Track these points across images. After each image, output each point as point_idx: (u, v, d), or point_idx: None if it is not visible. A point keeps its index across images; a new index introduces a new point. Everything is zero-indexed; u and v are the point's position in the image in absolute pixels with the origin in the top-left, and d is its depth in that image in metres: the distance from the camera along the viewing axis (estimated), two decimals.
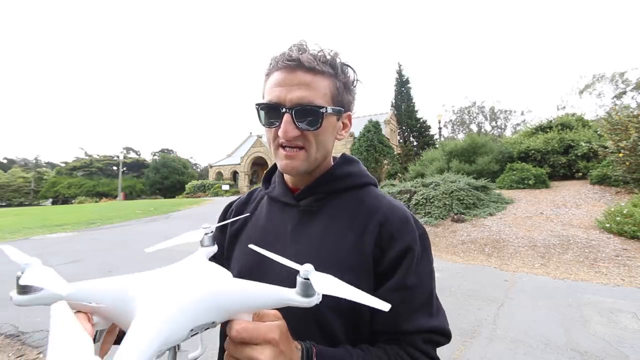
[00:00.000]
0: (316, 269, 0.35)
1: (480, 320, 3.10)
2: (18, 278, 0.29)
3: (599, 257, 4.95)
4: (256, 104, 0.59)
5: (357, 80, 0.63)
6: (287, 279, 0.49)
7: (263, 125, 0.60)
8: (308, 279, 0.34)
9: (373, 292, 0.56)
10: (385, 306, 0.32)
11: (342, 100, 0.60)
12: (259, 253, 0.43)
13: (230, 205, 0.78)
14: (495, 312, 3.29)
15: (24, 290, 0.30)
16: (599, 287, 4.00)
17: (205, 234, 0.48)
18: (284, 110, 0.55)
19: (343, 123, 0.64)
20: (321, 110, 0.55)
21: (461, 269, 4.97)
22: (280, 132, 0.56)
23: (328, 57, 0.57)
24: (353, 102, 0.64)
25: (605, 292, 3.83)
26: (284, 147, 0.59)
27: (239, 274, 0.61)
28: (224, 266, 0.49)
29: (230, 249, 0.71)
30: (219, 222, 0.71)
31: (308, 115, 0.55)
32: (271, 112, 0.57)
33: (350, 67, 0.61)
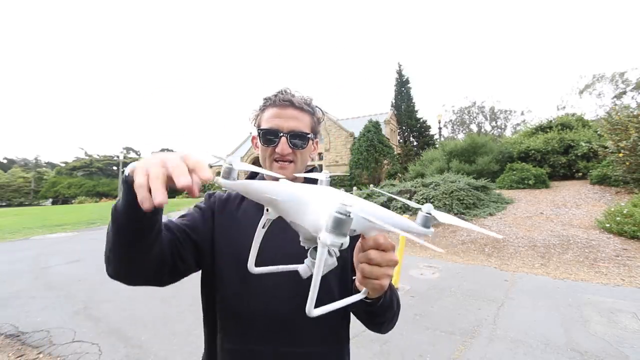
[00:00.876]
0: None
1: (480, 320, 3.10)
2: (229, 168, 0.40)
3: (599, 257, 4.95)
4: (259, 129, 0.80)
5: (323, 118, 0.88)
6: (282, 258, 0.64)
7: (262, 144, 0.79)
8: (430, 214, 0.44)
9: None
10: (498, 236, 0.48)
11: (316, 131, 0.85)
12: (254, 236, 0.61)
13: (211, 195, 0.87)
14: (495, 312, 3.29)
15: (226, 176, 0.40)
16: (599, 287, 4.00)
17: (326, 177, 0.58)
18: (281, 134, 0.77)
19: (313, 146, 0.87)
20: (308, 135, 0.80)
21: (461, 269, 4.97)
22: (278, 149, 0.77)
23: (308, 100, 0.82)
24: (319, 132, 0.89)
25: (605, 292, 3.83)
26: (277, 161, 0.79)
27: (240, 255, 0.70)
28: (208, 256, 0.75)
29: (222, 239, 0.78)
30: (205, 204, 0.83)
31: (298, 138, 0.78)
32: (270, 135, 0.77)
33: (320, 108, 0.85)
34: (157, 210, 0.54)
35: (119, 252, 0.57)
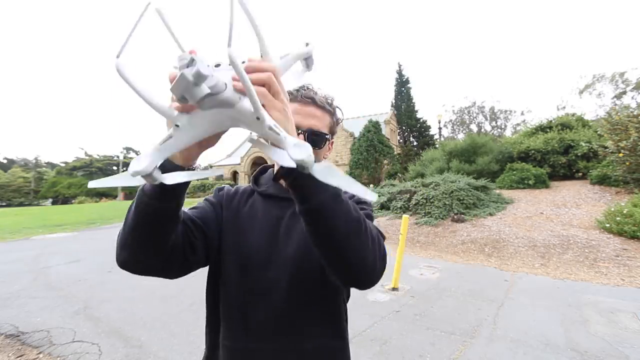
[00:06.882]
0: None
1: (480, 320, 3.10)
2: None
3: (599, 257, 4.95)
4: None
5: (343, 118, 0.87)
6: (295, 257, 0.71)
7: None
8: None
9: None
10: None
11: (334, 131, 0.84)
12: (269, 234, 0.74)
13: (221, 189, 0.87)
14: (495, 312, 3.29)
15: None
16: (599, 287, 4.00)
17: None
18: (300, 132, 0.73)
19: (329, 147, 0.88)
20: (326, 136, 0.79)
21: (461, 269, 4.97)
22: None
23: (330, 100, 0.80)
24: (336, 132, 0.89)
25: (605, 292, 3.83)
26: None
27: (242, 253, 0.74)
28: (216, 252, 0.75)
29: (227, 235, 0.77)
30: (215, 198, 0.83)
31: (316, 138, 0.77)
32: None
33: (340, 109, 0.85)
34: (182, 191, 0.55)
35: (139, 233, 0.56)
